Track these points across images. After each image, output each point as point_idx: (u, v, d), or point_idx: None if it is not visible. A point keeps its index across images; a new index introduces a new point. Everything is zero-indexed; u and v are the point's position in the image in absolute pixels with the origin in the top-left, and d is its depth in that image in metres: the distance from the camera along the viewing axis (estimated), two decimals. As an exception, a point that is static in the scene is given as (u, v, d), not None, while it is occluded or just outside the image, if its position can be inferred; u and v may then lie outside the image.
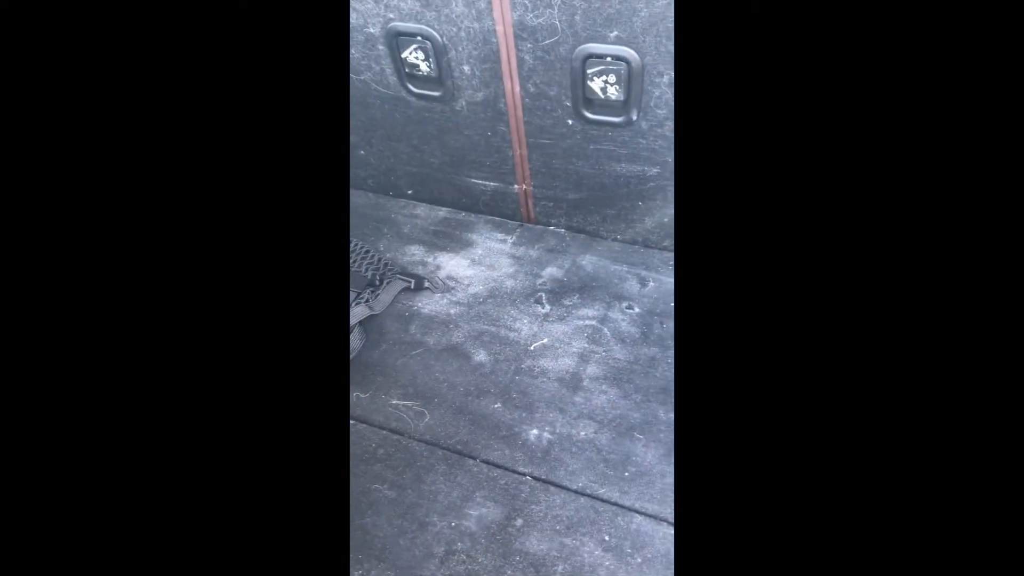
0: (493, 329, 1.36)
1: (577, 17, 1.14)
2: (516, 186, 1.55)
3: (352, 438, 1.18)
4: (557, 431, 1.17)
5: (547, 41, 1.20)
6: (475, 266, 1.52)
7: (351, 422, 1.21)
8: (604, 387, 1.24)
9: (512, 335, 1.35)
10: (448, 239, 1.60)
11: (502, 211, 1.63)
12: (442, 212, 1.68)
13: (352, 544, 1.03)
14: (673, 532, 1.02)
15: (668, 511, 1.05)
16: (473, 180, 1.58)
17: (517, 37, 1.22)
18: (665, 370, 1.25)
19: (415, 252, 1.57)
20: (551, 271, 1.50)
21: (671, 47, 1.12)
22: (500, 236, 1.60)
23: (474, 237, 1.61)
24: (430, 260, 1.54)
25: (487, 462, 1.14)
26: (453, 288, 1.46)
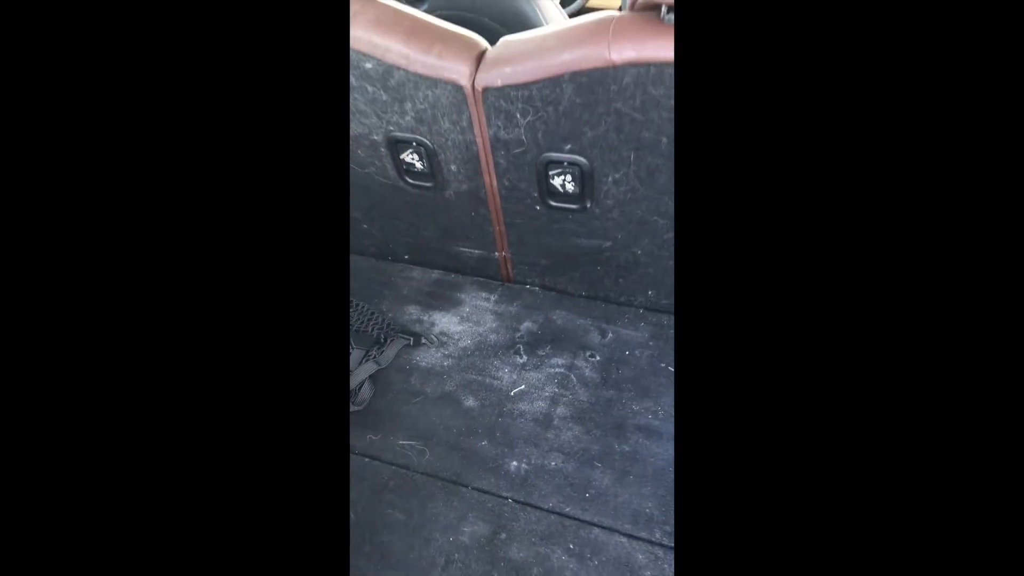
0: (480, 378, 1.66)
1: (539, 135, 1.45)
2: (497, 253, 1.85)
3: (367, 473, 1.47)
4: (532, 462, 1.46)
5: (517, 150, 1.51)
6: (464, 322, 1.82)
7: (367, 459, 1.49)
8: (571, 425, 1.53)
9: (496, 383, 1.64)
10: (440, 299, 1.90)
11: (486, 272, 1.93)
12: (435, 274, 1.97)
13: (373, 558, 1.32)
14: (623, 540, 1.31)
15: (619, 524, 1.34)
16: (461, 248, 1.88)
17: (493, 147, 1.52)
18: (619, 409, 1.55)
19: (412, 311, 1.86)
20: (527, 325, 1.79)
21: (612, 157, 1.43)
22: (484, 295, 1.90)
23: (462, 296, 1.90)
24: (425, 318, 1.84)
25: (477, 489, 1.42)
26: (446, 343, 1.76)
